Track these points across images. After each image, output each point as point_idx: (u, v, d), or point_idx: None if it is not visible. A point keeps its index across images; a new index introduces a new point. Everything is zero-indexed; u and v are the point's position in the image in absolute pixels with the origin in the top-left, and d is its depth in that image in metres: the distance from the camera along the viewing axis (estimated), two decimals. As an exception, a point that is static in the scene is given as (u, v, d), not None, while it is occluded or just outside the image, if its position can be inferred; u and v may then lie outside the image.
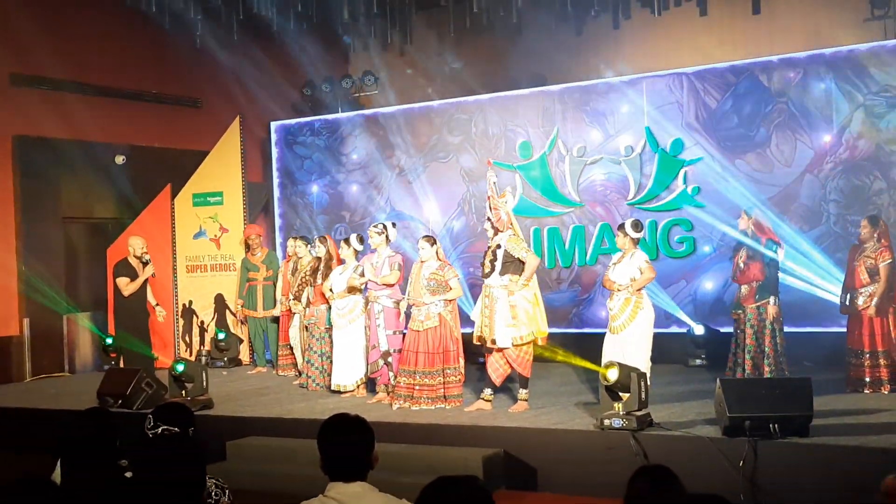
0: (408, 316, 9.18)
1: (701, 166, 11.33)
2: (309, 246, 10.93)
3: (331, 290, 9.85)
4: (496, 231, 8.63)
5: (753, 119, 11.21)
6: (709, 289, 11.45)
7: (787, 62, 11.03)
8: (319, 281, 10.21)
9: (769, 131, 11.09)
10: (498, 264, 8.49)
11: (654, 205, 11.63)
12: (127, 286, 11.00)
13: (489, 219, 8.70)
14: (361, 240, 9.98)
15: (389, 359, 9.25)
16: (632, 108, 11.80)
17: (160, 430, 4.42)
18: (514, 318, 8.39)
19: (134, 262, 11.12)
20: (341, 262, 10.07)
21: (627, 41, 12.88)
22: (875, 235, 8.89)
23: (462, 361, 8.92)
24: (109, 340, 12.11)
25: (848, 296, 9.00)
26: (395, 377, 9.03)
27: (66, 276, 13.04)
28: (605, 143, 11.97)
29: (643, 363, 8.08)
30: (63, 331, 12.83)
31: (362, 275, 9.48)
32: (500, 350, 8.47)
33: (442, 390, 8.78)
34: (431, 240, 9.08)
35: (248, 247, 12.37)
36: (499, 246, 8.54)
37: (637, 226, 8.62)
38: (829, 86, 10.78)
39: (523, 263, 8.48)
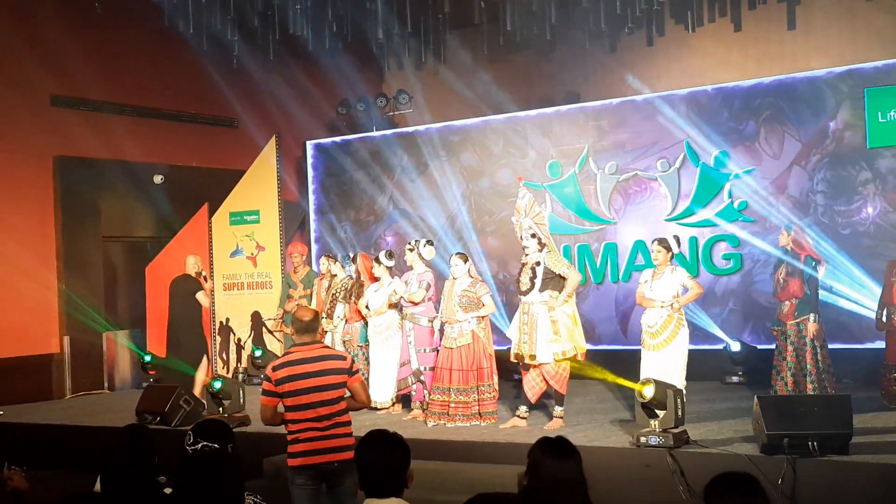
0: (442, 333, 9.20)
1: (747, 180, 11.25)
2: (344, 264, 10.97)
3: (367, 307, 9.90)
4: (542, 247, 8.61)
5: (742, 112, 11.33)
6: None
7: (823, 78, 10.97)
8: (354, 298, 10.28)
9: (758, 124, 11.22)
10: (538, 281, 8.48)
11: (693, 220, 11.57)
12: (204, 298, 11.09)
13: (534, 235, 8.64)
14: (390, 255, 10.01)
15: (422, 377, 9.27)
16: (667, 124, 11.74)
17: (200, 446, 4.47)
18: (556, 333, 8.39)
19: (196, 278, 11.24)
20: (374, 278, 10.11)
21: (661, 58, 12.85)
22: (915, 252, 8.81)
23: (496, 378, 8.91)
24: (148, 358, 12.23)
25: (885, 312, 8.89)
26: (430, 394, 9.05)
27: (105, 294, 13.21)
28: (640, 159, 11.94)
29: (680, 380, 8.04)
30: (103, 349, 12.97)
31: (396, 292, 9.56)
32: (537, 366, 8.46)
33: (477, 407, 8.77)
34: (464, 257, 9.09)
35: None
36: (538, 263, 8.53)
37: (676, 241, 8.58)
38: (817, 81, 10.91)
39: (562, 279, 8.49)
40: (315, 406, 5.48)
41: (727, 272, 11.39)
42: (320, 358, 5.57)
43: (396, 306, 9.68)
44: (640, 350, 8.53)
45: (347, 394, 5.63)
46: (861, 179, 10.65)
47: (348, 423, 5.59)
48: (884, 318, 8.90)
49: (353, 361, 5.73)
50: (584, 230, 12.21)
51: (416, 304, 9.33)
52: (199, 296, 10.91)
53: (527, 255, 8.67)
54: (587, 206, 12.23)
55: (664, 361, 8.21)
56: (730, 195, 11.33)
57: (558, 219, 12.21)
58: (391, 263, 9.95)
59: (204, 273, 11.32)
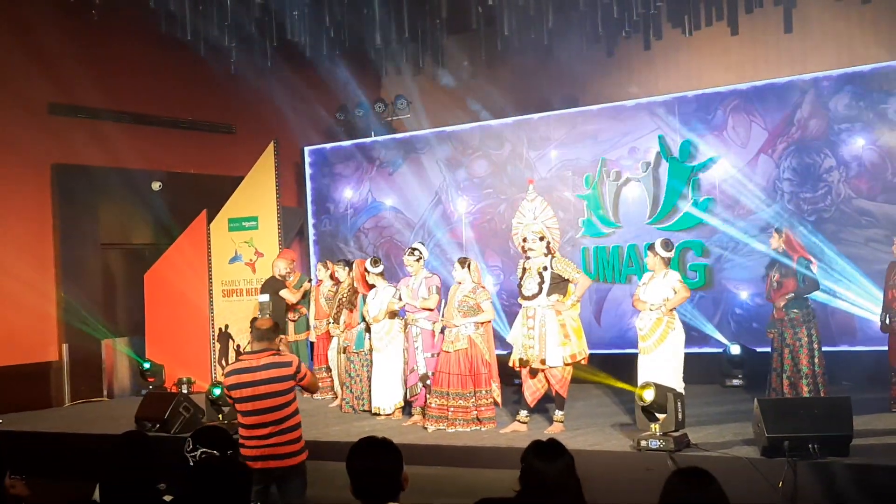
0: (444, 337, 9.19)
1: (716, 171, 11.24)
2: (347, 269, 10.96)
3: (367, 313, 9.92)
4: (549, 252, 8.59)
5: (711, 102, 11.45)
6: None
7: (820, 80, 10.97)
8: (351, 306, 10.34)
9: (725, 114, 11.35)
10: (545, 285, 8.46)
11: (666, 224, 11.52)
12: (288, 293, 11.48)
13: (543, 238, 8.61)
14: (375, 263, 10.03)
15: (428, 381, 9.25)
16: (662, 127, 11.73)
17: (199, 453, 4.46)
18: (566, 336, 8.39)
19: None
20: (367, 285, 10.11)
21: (659, 62, 12.86)
22: (916, 254, 8.79)
23: (494, 385, 8.90)
24: (147, 365, 12.21)
25: (888, 315, 8.87)
26: (429, 398, 9.03)
27: (104, 301, 13.19)
28: (634, 162, 11.92)
29: (677, 383, 8.03)
30: (101, 356, 12.95)
31: (400, 299, 9.53)
32: (542, 370, 8.44)
33: (475, 413, 8.78)
34: (463, 261, 9.09)
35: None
36: (545, 267, 8.51)
37: (667, 245, 8.59)
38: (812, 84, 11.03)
39: (566, 283, 8.48)
40: (257, 413, 5.72)
41: (694, 286, 10.92)
42: (265, 367, 5.76)
43: (396, 314, 9.68)
44: (632, 353, 8.57)
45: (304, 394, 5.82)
46: (825, 167, 10.79)
47: (294, 428, 5.81)
48: (887, 321, 8.87)
49: (298, 365, 5.88)
50: (585, 234, 12.18)
51: (431, 309, 9.33)
52: (283, 293, 11.43)
53: (528, 258, 8.65)
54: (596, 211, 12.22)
55: (657, 364, 8.22)
56: (694, 189, 11.36)
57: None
58: (378, 270, 9.95)
59: (291, 277, 11.73)
